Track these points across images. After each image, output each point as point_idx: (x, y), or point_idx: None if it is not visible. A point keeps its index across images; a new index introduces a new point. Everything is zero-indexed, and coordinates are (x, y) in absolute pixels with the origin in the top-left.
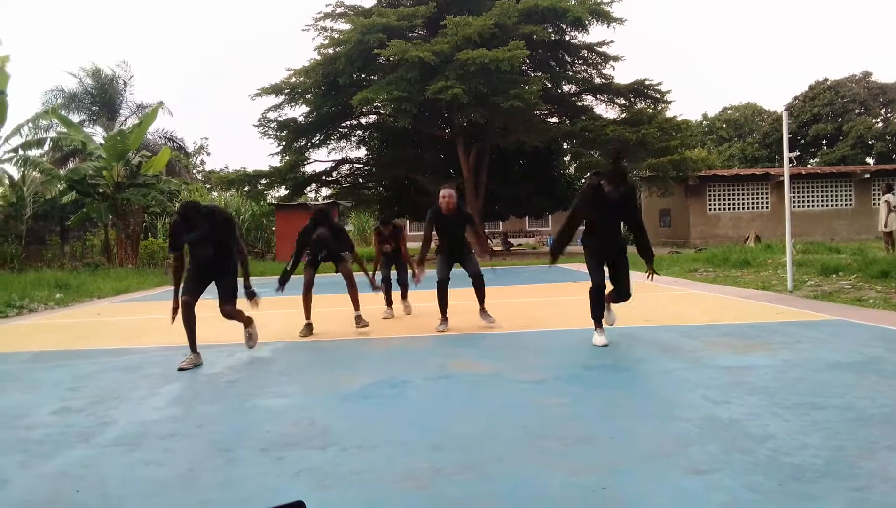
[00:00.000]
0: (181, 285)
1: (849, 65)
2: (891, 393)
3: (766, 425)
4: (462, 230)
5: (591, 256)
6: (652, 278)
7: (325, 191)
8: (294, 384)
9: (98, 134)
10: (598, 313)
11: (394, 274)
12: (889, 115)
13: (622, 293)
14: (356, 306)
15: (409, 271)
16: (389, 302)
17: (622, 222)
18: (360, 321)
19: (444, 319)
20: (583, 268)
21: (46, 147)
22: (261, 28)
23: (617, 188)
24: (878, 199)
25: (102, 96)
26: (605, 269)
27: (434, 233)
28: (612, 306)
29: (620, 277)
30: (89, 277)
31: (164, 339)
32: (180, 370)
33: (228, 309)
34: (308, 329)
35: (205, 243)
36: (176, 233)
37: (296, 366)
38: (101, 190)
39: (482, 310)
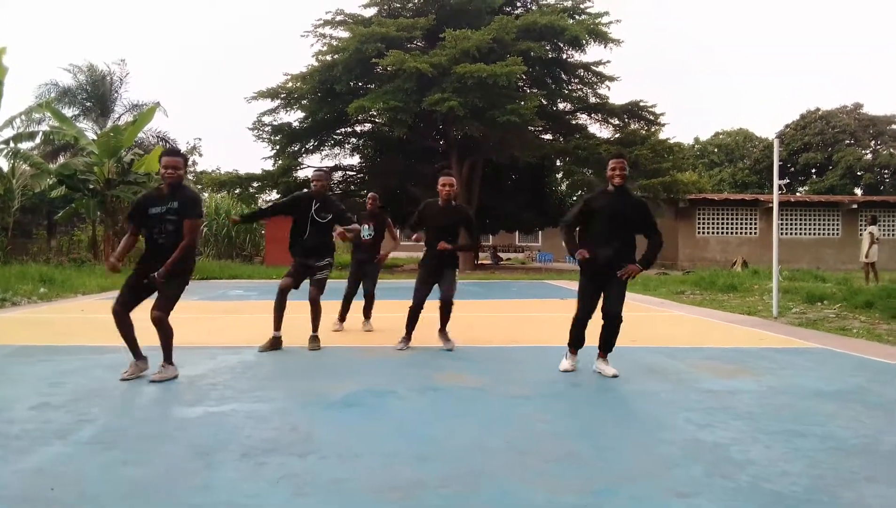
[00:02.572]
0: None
1: (840, 96)
2: (872, 424)
3: (748, 450)
4: (455, 229)
5: (586, 278)
6: (626, 277)
7: None
8: (277, 390)
9: (89, 130)
10: (575, 341)
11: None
12: (878, 147)
13: (612, 315)
14: (315, 327)
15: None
16: (343, 317)
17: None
18: (315, 341)
19: (407, 338)
20: (570, 285)
21: (38, 140)
22: (260, 28)
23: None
24: (864, 229)
25: (96, 93)
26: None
27: (423, 230)
28: (608, 357)
29: (613, 292)
30: (75, 272)
31: (147, 339)
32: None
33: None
34: (273, 343)
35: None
36: None
37: (279, 371)
38: (91, 186)
39: (442, 330)
